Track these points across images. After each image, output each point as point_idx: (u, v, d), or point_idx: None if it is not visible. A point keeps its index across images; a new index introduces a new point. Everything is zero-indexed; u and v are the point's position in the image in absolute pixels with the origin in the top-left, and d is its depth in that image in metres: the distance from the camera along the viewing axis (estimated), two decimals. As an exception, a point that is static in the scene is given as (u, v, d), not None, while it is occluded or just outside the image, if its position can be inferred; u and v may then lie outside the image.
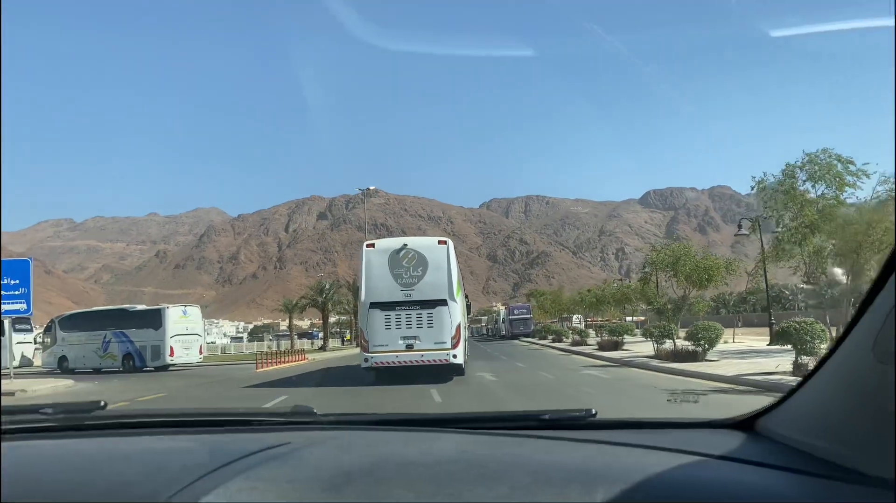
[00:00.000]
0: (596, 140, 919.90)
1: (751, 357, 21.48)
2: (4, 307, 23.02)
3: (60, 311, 43.33)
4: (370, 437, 1.96)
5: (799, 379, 1.74)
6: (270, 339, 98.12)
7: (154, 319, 34.14)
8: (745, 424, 1.81)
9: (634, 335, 37.03)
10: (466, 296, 22.33)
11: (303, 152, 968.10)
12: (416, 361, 18.02)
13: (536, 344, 51.08)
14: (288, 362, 34.19)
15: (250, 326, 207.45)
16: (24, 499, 1.28)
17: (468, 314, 24.36)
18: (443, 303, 18.28)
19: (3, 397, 17.54)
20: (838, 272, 22.47)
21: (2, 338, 26.58)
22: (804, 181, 21.32)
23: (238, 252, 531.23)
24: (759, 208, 24.03)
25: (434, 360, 18.03)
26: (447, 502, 1.21)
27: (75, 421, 2.13)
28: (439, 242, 19.44)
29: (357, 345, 59.13)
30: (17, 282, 23.90)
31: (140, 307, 36.81)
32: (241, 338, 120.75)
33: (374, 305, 18.36)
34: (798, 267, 22.58)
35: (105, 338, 34.78)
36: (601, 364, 24.95)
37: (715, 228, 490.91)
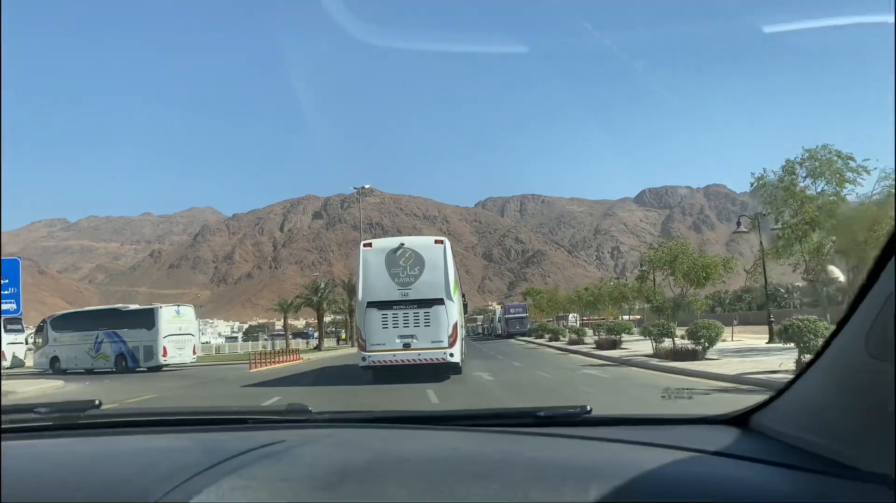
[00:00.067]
0: (591, 139, 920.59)
1: (751, 355, 21.25)
2: (-6, 307, 22.69)
3: (54, 312, 42.96)
4: (365, 435, 1.97)
5: None
6: (265, 339, 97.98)
7: (147, 319, 33.81)
8: (740, 420, 1.81)
9: (631, 333, 36.81)
10: (463, 296, 22.25)
11: (297, 151, 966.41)
12: (414, 360, 18.08)
13: (533, 343, 50.83)
14: (282, 362, 33.87)
15: (245, 326, 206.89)
16: (18, 498, 1.27)
17: (465, 313, 24.36)
18: (440, 302, 18.35)
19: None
20: (839, 269, 22.32)
21: None
22: (804, 177, 21.17)
23: (233, 251, 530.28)
24: (759, 205, 23.87)
25: (431, 359, 18.10)
26: (440, 501, 1.20)
27: (69, 420, 2.11)
28: (436, 242, 19.51)
29: (352, 345, 59.25)
30: (7, 281, 23.56)
31: (133, 307, 36.51)
32: (236, 337, 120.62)
33: (371, 304, 18.42)
34: (798, 264, 22.42)
35: (97, 338, 34.44)
36: (599, 363, 24.73)
37: (710, 227, 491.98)
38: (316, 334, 69.66)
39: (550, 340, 48.50)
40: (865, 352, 1.22)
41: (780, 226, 22.06)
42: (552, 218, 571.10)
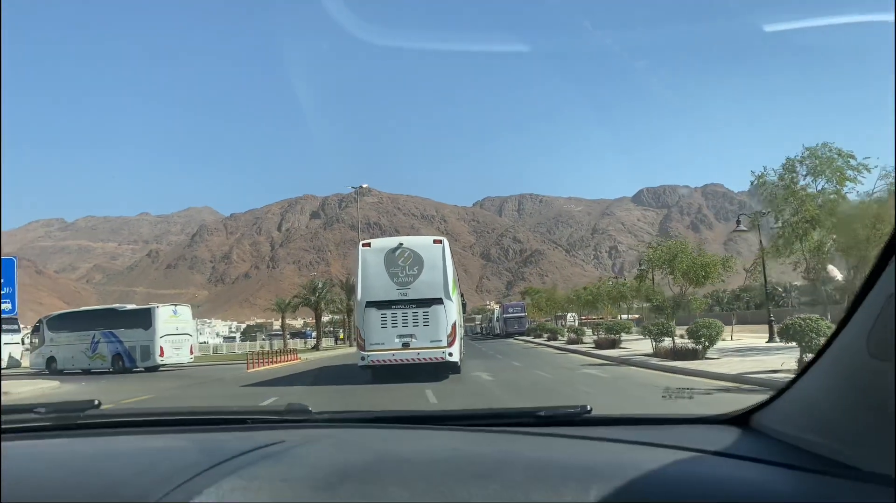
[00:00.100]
0: (590, 138, 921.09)
1: (751, 354, 21.16)
2: (-11, 306, 22.53)
3: (52, 312, 42.75)
4: (365, 435, 1.96)
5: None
6: (263, 339, 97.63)
7: (144, 319, 33.65)
8: (740, 420, 1.80)
9: (630, 333, 36.70)
10: (462, 295, 22.20)
11: (295, 151, 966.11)
12: (413, 359, 18.16)
13: (531, 342, 50.72)
14: (280, 362, 33.71)
15: (243, 326, 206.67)
16: (18, 498, 1.27)
17: (464, 313, 24.34)
18: (438, 301, 18.41)
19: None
20: (839, 268, 22.22)
21: None
22: (804, 176, 21.07)
23: (230, 251, 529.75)
24: (759, 203, 23.76)
25: (430, 359, 18.18)
26: (441, 501, 1.20)
27: (68, 420, 2.10)
28: (435, 241, 19.56)
29: (350, 345, 59.12)
30: (2, 281, 23.36)
31: (129, 307, 36.32)
32: (234, 337, 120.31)
33: (370, 304, 18.48)
34: (799, 263, 22.31)
35: (94, 338, 34.27)
36: (599, 362, 24.60)
37: (708, 226, 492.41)
38: (314, 334, 69.52)
39: (549, 340, 48.41)
40: (867, 352, 1.21)
41: (780, 224, 21.96)
42: (550, 217, 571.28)
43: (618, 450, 1.63)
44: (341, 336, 74.10)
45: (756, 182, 22.08)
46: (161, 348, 32.68)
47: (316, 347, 58.16)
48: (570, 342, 40.41)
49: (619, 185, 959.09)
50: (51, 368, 34.80)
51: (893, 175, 19.26)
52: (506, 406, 11.70)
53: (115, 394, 18.13)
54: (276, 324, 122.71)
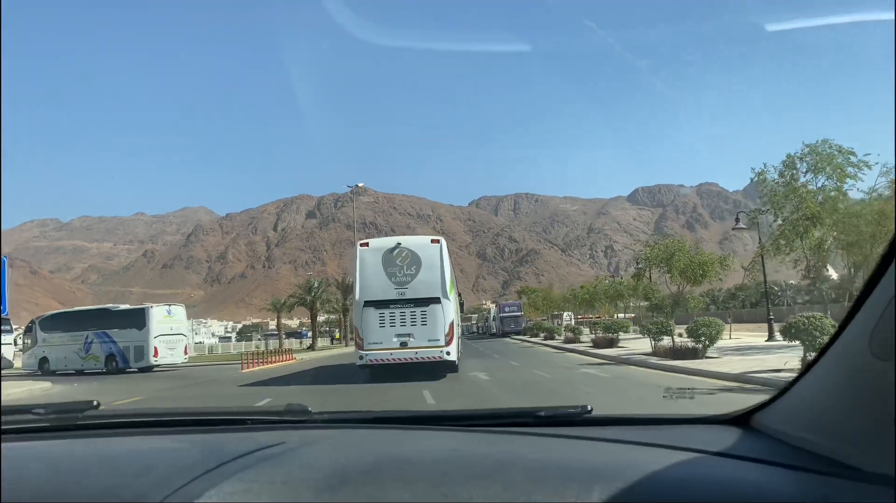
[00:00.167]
0: (587, 138, 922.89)
1: (752, 353, 20.96)
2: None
3: (46, 312, 42.39)
4: (365, 436, 1.96)
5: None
6: (259, 339, 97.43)
7: (137, 319, 33.33)
8: (741, 420, 1.81)
9: (628, 332, 36.50)
10: (459, 294, 22.09)
11: (291, 151, 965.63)
12: (411, 359, 18.26)
13: (528, 341, 50.49)
14: (275, 362, 33.40)
15: (239, 326, 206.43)
16: (16, 499, 1.27)
17: (461, 312, 24.26)
18: (436, 300, 18.47)
19: None
20: (839, 266, 22.04)
21: None
22: (805, 173, 20.91)
23: (226, 251, 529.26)
24: (755, 202, 23.62)
25: (428, 358, 18.23)
26: (442, 502, 1.21)
27: (67, 421, 2.09)
28: (432, 241, 19.61)
29: (346, 344, 58.88)
30: (-7, 281, 23.06)
31: (123, 307, 35.97)
32: (230, 337, 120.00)
33: (368, 303, 18.55)
34: (799, 260, 22.13)
35: (87, 338, 33.93)
36: (597, 362, 24.36)
37: (703, 225, 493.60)
38: (310, 334, 69.21)
39: (546, 339, 48.18)
40: (869, 352, 1.21)
41: (780, 222, 21.79)
42: (546, 216, 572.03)
43: (619, 450, 1.62)
44: (337, 336, 73.86)
45: (756, 179, 21.92)
46: (155, 349, 32.36)
47: (312, 347, 57.88)
48: (568, 341, 40.18)
49: (614, 185, 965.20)
50: (43, 369, 34.47)
51: (894, 172, 19.13)
52: (505, 406, 11.44)
53: (106, 396, 17.82)
54: (272, 324, 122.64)
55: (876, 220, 15.92)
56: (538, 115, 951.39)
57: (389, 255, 18.78)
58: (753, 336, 32.74)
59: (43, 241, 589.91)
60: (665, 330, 23.22)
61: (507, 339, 60.66)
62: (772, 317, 29.35)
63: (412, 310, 18.41)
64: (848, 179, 20.08)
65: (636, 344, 29.72)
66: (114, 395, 17.86)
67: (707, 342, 20.39)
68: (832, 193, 20.19)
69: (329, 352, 49.64)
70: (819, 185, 20.69)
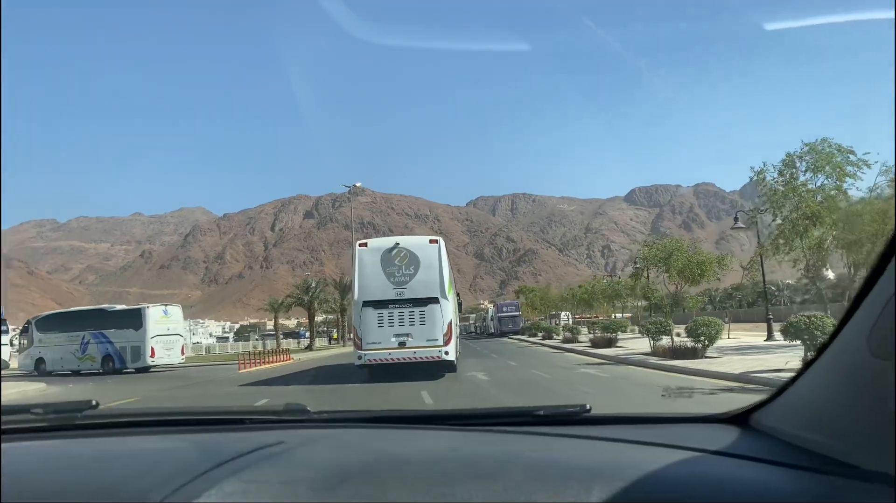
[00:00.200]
0: (582, 137, 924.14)
1: (751, 353, 20.89)
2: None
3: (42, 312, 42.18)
4: (364, 436, 1.94)
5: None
6: (256, 339, 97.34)
7: (134, 319, 33.25)
8: (739, 419, 1.81)
9: (626, 332, 36.42)
10: (458, 294, 22.04)
11: (289, 151, 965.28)
12: (409, 358, 18.31)
13: (526, 341, 50.41)
14: (272, 362, 33.24)
15: (236, 326, 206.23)
16: (16, 499, 1.27)
17: (459, 312, 24.24)
18: (434, 300, 18.53)
19: None
20: (839, 265, 21.94)
21: None
22: (804, 172, 20.81)
23: (224, 251, 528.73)
24: (752, 202, 23.52)
25: (426, 357, 18.28)
26: (441, 502, 1.21)
27: (66, 420, 2.08)
28: (431, 241, 19.71)
29: (344, 344, 58.73)
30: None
31: (120, 307, 35.91)
32: (227, 338, 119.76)
33: (367, 303, 18.58)
34: (798, 260, 22.03)
35: (83, 339, 33.86)
36: (596, 362, 24.25)
37: (700, 225, 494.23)
38: (307, 334, 69.07)
39: (544, 339, 48.12)
40: (868, 350, 1.21)
41: (779, 221, 21.69)
42: (543, 217, 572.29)
43: (618, 449, 1.62)
44: (335, 336, 73.79)
45: (755, 178, 21.81)
46: (152, 349, 32.31)
47: (309, 347, 57.80)
48: (566, 341, 40.14)
49: (611, 185, 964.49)
50: (39, 370, 34.36)
51: (894, 171, 19.04)
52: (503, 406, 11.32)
53: (101, 397, 17.26)
54: (270, 325, 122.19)
55: (880, 218, 15.81)
56: (536, 115, 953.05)
57: (388, 255, 18.81)
58: (752, 335, 32.68)
59: (40, 241, 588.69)
60: (664, 329, 23.13)
61: (505, 339, 60.58)
62: (771, 316, 29.26)
63: (411, 310, 18.43)
64: (847, 178, 19.99)
65: (634, 343, 29.64)
66: (109, 396, 17.71)
67: (707, 342, 20.30)
68: (832, 192, 20.10)
69: (327, 352, 49.51)
70: (818, 184, 20.59)
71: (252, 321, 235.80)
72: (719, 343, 21.99)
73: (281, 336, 71.13)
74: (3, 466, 1.41)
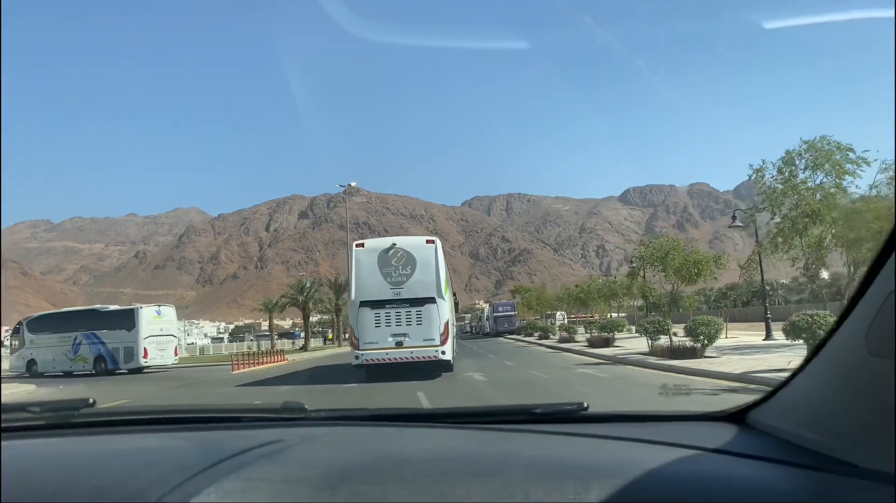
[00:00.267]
0: (578, 137, 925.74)
1: (751, 352, 20.73)
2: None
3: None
4: (362, 434, 1.93)
5: None
6: (251, 340, 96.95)
7: (127, 320, 32.94)
8: (736, 417, 1.82)
9: (622, 331, 36.18)
10: (454, 294, 21.95)
11: (284, 150, 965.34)
12: (406, 358, 18.36)
13: (522, 341, 50.21)
14: (266, 363, 32.97)
15: (231, 327, 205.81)
16: (14, 499, 1.26)
17: (456, 311, 24.15)
18: (431, 300, 18.58)
19: None
20: (840, 263, 21.76)
21: None
22: (803, 169, 20.65)
23: (218, 252, 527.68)
24: (757, 198, 23.29)
25: (423, 357, 18.35)
26: (441, 501, 1.20)
27: (63, 419, 2.05)
28: (427, 241, 19.76)
29: (339, 345, 58.44)
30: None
31: (112, 307, 35.55)
32: (222, 338, 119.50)
33: (364, 304, 18.63)
34: (798, 259, 21.86)
35: (75, 339, 33.51)
36: (594, 362, 24.03)
37: (694, 225, 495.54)
38: (302, 334, 68.80)
39: (540, 338, 47.97)
40: (865, 348, 1.21)
41: (777, 219, 21.51)
42: (538, 216, 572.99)
43: (616, 447, 1.61)
44: (330, 336, 73.50)
45: (754, 176, 21.63)
46: (145, 349, 32.01)
47: (304, 348, 57.50)
48: (563, 341, 39.94)
49: (606, 185, 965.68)
50: (31, 371, 34.01)
51: (894, 168, 18.88)
52: (502, 407, 11.10)
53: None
54: (265, 325, 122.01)
55: (884, 215, 15.64)
56: (532, 114, 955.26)
57: (385, 256, 18.84)
58: (749, 335, 32.51)
59: (34, 242, 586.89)
60: (662, 329, 22.95)
61: (501, 339, 60.37)
62: (769, 315, 29.09)
63: (407, 309, 18.48)
64: (847, 176, 19.84)
65: (632, 343, 29.46)
66: (100, 398, 17.00)
67: (706, 341, 20.11)
68: (831, 190, 19.94)
69: (322, 352, 49.20)
70: (818, 181, 20.43)
71: (247, 322, 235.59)
72: (717, 342, 21.80)
73: (276, 336, 70.94)
74: (0, 465, 1.40)
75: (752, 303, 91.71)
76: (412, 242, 19.68)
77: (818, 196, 20.06)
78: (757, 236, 26.37)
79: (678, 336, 22.14)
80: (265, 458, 1.45)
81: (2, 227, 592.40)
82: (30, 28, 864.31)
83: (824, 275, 24.88)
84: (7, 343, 39.76)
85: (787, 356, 15.23)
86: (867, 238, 17.20)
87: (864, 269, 1.18)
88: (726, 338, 29.27)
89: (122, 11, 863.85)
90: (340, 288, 61.51)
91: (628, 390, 14.81)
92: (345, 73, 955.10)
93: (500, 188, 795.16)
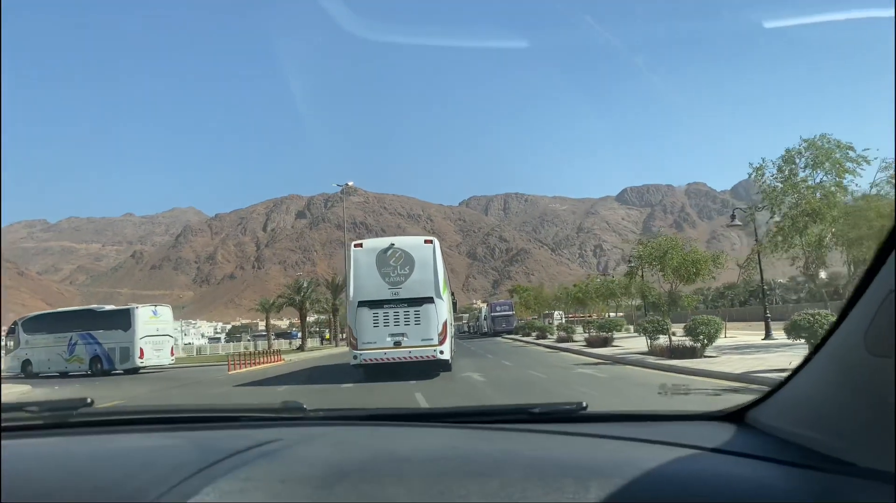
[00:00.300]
0: (576, 137, 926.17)
1: (751, 352, 20.60)
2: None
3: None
4: (361, 433, 1.94)
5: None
6: (248, 340, 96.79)
7: (123, 320, 32.75)
8: (735, 416, 1.82)
9: (621, 331, 36.06)
10: (452, 294, 21.89)
11: (281, 150, 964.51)
12: (404, 358, 18.31)
13: (520, 341, 50.09)
14: (262, 363, 32.80)
15: (228, 327, 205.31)
16: (12, 498, 1.26)
17: (454, 311, 24.13)
18: (429, 300, 18.61)
19: None
20: (840, 262, 21.69)
21: None
22: (803, 168, 20.58)
23: (215, 252, 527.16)
24: (757, 197, 23.20)
25: (421, 357, 18.36)
26: (440, 501, 1.21)
27: (61, 418, 2.05)
28: (426, 241, 19.79)
29: (336, 345, 58.26)
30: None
31: (108, 307, 35.37)
32: (219, 338, 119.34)
33: (362, 303, 18.65)
34: (797, 257, 21.78)
35: (71, 340, 33.32)
36: (593, 361, 23.91)
37: (691, 225, 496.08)
38: (299, 334, 68.63)
39: (538, 338, 47.87)
40: (864, 348, 1.21)
41: (777, 218, 21.43)
42: (535, 216, 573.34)
43: (614, 446, 1.61)
44: (327, 336, 73.33)
45: (754, 175, 21.55)
46: (141, 350, 31.85)
47: (301, 348, 57.34)
48: (561, 340, 39.81)
49: (603, 184, 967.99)
50: (26, 372, 33.83)
51: (894, 167, 18.82)
52: (501, 408, 10.99)
53: None
54: (262, 325, 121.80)
55: (885, 214, 15.58)
56: (531, 114, 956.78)
57: (383, 256, 18.85)
58: (748, 334, 32.42)
59: (31, 242, 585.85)
60: (661, 328, 22.83)
61: (499, 339, 60.23)
62: (769, 315, 28.99)
63: (406, 309, 18.50)
64: (847, 174, 19.78)
65: (630, 343, 29.36)
66: (96, 399, 17.12)
67: (706, 341, 19.99)
68: (832, 189, 19.87)
69: (319, 352, 49.07)
70: (818, 180, 20.36)
71: (244, 322, 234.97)
72: (717, 342, 21.70)
73: (273, 336, 70.75)
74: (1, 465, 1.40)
75: (750, 302, 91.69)
76: (410, 242, 19.68)
77: (818, 194, 20.01)
78: (756, 235, 26.28)
79: (677, 335, 22.03)
80: (263, 458, 1.45)
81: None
82: (29, 28, 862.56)
83: (822, 274, 24.76)
84: (3, 343, 39.58)
85: (788, 355, 15.10)
86: (867, 236, 17.14)
87: (864, 268, 1.19)
88: (725, 337, 29.20)
89: (120, 11, 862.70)
90: (338, 288, 61.33)
91: (627, 390, 14.69)
92: (343, 73, 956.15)
93: (498, 188, 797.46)
